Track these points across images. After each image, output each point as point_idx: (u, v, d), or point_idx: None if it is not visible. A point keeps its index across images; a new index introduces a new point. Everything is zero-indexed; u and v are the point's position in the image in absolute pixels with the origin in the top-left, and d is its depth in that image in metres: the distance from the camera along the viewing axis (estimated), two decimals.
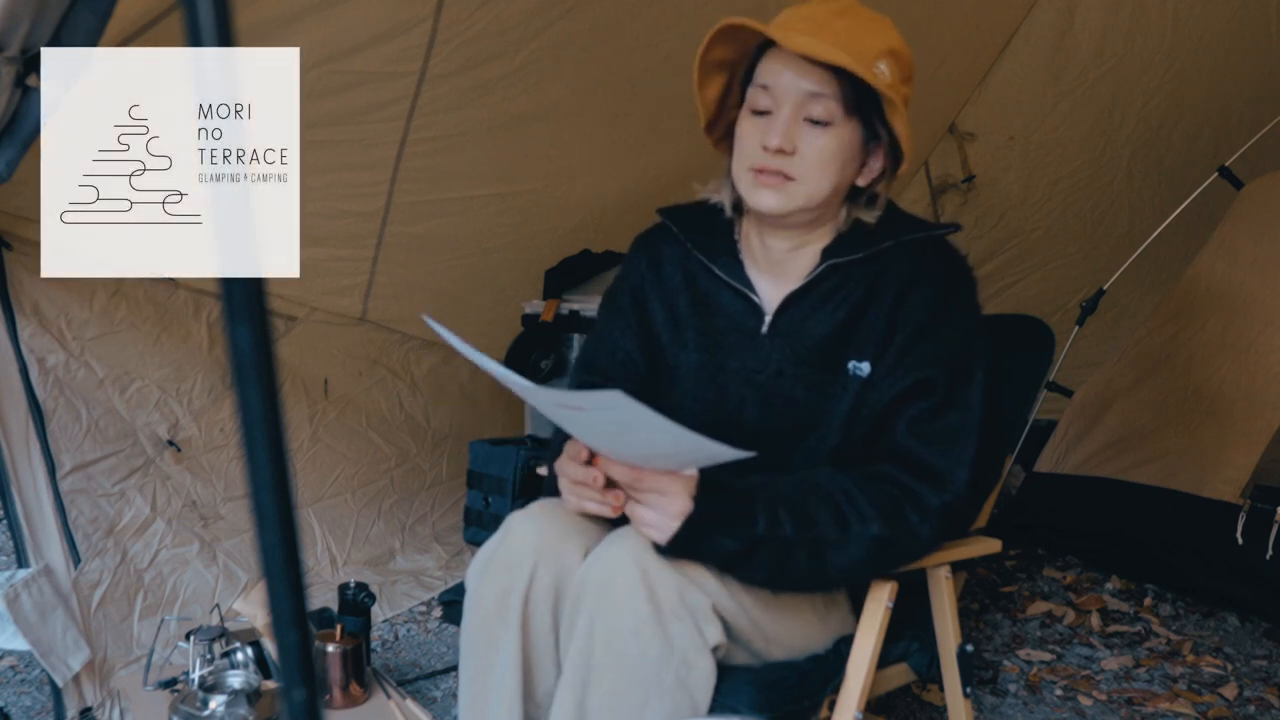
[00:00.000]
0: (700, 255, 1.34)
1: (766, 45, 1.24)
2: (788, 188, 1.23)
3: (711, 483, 1.13)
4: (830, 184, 1.24)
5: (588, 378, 1.41)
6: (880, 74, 1.19)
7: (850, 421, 1.26)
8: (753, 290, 1.32)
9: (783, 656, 1.25)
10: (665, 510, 1.10)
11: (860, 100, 1.21)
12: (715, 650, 1.13)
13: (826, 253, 1.29)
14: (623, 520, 1.19)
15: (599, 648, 1.10)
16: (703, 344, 1.33)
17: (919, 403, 1.22)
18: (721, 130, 1.33)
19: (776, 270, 1.32)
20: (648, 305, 1.38)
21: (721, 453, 1.03)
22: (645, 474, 1.11)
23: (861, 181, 1.28)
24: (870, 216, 1.29)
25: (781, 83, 1.21)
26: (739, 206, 1.35)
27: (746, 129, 1.25)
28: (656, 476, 1.11)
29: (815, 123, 1.21)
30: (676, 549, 1.11)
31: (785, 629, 1.24)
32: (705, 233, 1.36)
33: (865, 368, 1.26)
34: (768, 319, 1.30)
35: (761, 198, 1.24)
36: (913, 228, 1.30)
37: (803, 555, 1.15)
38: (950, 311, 1.25)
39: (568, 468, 1.17)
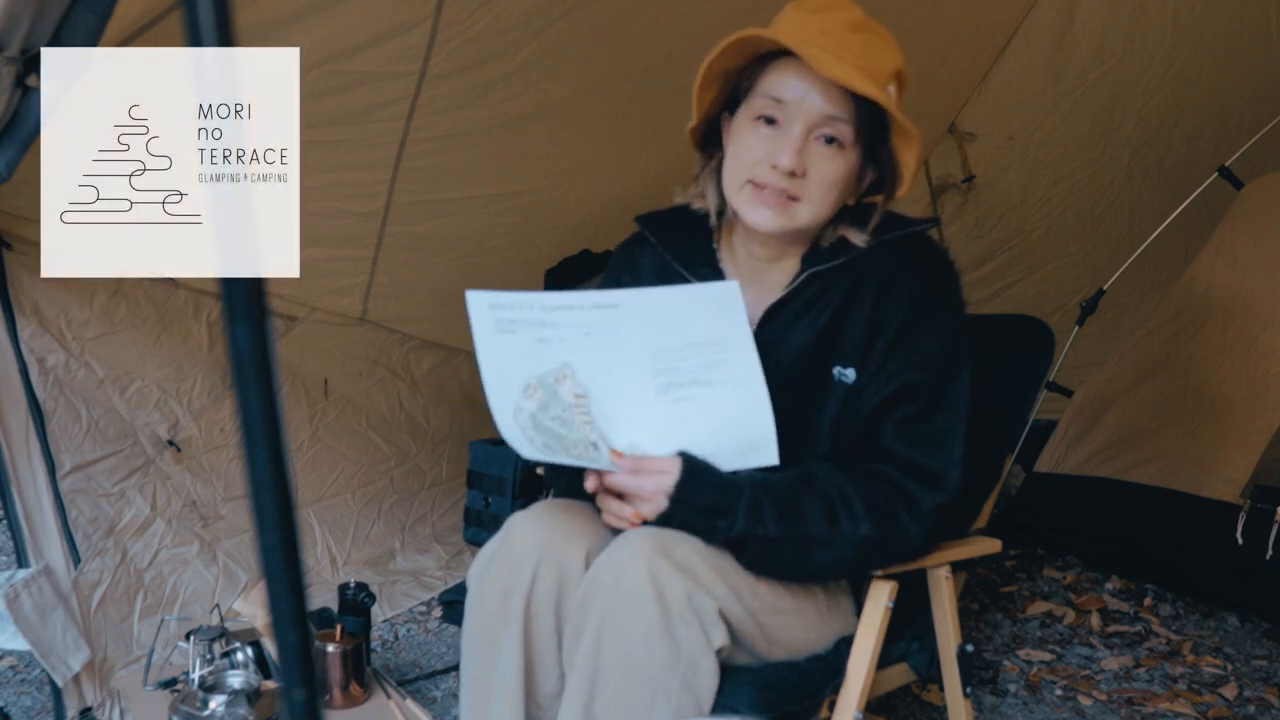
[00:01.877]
0: (679, 267, 1.31)
1: (775, 53, 1.20)
2: (791, 208, 1.20)
3: (700, 476, 1.14)
4: (830, 208, 1.22)
5: None
6: (889, 96, 1.17)
7: (837, 427, 1.25)
8: None
9: (783, 657, 1.25)
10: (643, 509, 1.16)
11: (870, 126, 1.19)
12: (719, 652, 1.13)
13: (806, 261, 1.27)
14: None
15: (607, 650, 1.10)
16: None
17: (905, 406, 1.21)
18: (702, 131, 1.30)
19: (757, 281, 1.30)
20: None
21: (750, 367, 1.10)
22: (630, 485, 1.15)
23: (850, 200, 1.26)
24: (860, 239, 1.25)
25: (800, 100, 1.18)
26: (722, 213, 1.32)
27: (751, 140, 1.21)
28: (640, 483, 1.14)
29: (827, 142, 1.18)
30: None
31: (789, 632, 1.24)
32: (684, 242, 1.34)
33: (850, 374, 1.24)
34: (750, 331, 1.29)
35: (759, 215, 1.21)
36: (891, 226, 1.27)
37: (786, 552, 1.16)
38: (932, 309, 1.24)
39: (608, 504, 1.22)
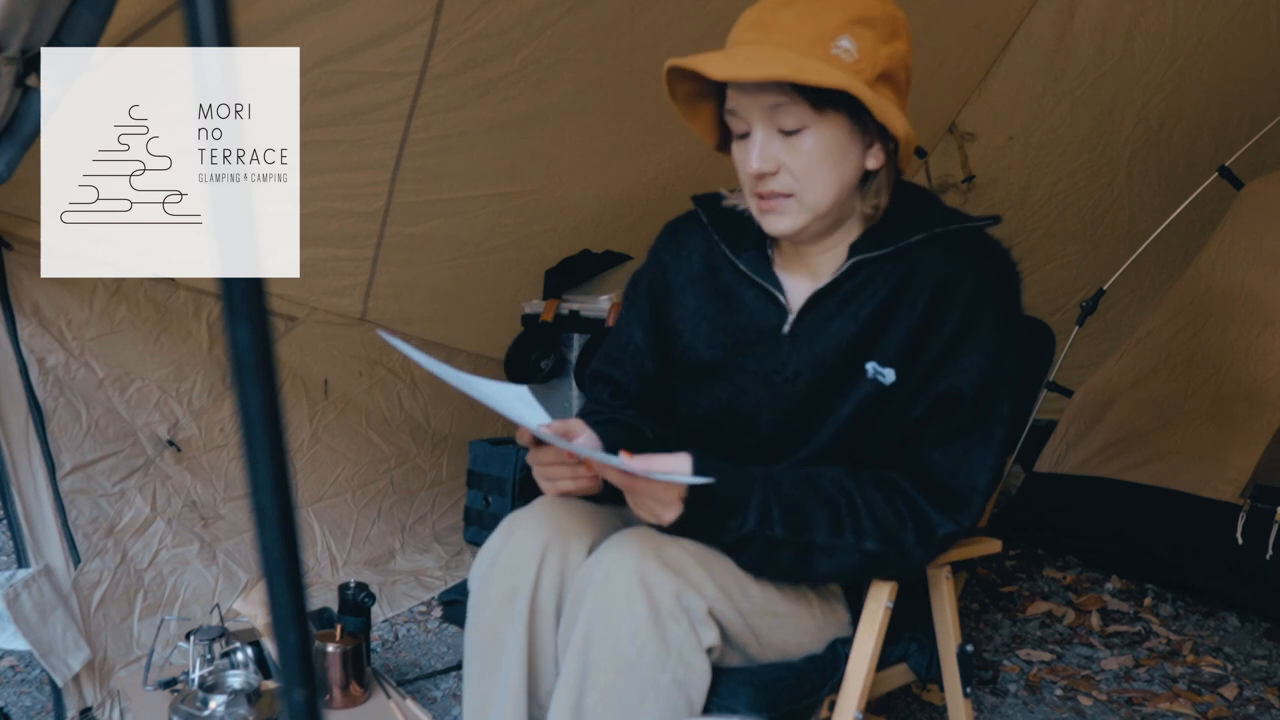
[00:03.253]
0: (726, 248, 1.29)
1: None
2: (789, 206, 1.17)
3: (710, 469, 1.11)
4: (832, 186, 1.17)
5: (600, 367, 1.42)
6: (843, 52, 1.09)
7: (863, 424, 1.21)
8: (778, 288, 1.25)
9: (775, 659, 1.24)
10: (656, 517, 1.12)
11: (831, 90, 1.10)
12: (709, 652, 1.12)
13: (854, 249, 1.22)
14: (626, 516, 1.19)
15: (596, 648, 1.10)
16: (721, 341, 1.28)
17: (943, 419, 1.17)
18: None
19: (807, 269, 1.26)
20: (667, 296, 1.34)
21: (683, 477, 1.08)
22: (639, 482, 1.10)
23: (872, 164, 1.18)
24: (867, 206, 1.21)
25: (743, 103, 1.16)
26: None
27: (737, 156, 1.21)
28: (650, 484, 1.10)
29: (787, 134, 1.14)
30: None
31: (779, 634, 1.23)
32: (735, 224, 1.30)
33: (889, 374, 1.19)
34: (791, 319, 1.25)
35: (770, 224, 1.20)
36: (946, 219, 1.21)
37: (788, 555, 1.15)
38: (987, 321, 1.17)
39: (540, 454, 1.17)
